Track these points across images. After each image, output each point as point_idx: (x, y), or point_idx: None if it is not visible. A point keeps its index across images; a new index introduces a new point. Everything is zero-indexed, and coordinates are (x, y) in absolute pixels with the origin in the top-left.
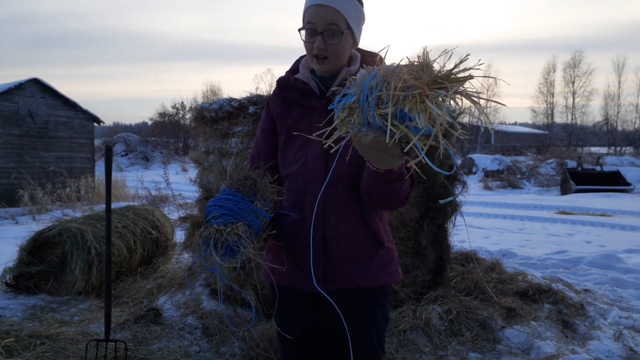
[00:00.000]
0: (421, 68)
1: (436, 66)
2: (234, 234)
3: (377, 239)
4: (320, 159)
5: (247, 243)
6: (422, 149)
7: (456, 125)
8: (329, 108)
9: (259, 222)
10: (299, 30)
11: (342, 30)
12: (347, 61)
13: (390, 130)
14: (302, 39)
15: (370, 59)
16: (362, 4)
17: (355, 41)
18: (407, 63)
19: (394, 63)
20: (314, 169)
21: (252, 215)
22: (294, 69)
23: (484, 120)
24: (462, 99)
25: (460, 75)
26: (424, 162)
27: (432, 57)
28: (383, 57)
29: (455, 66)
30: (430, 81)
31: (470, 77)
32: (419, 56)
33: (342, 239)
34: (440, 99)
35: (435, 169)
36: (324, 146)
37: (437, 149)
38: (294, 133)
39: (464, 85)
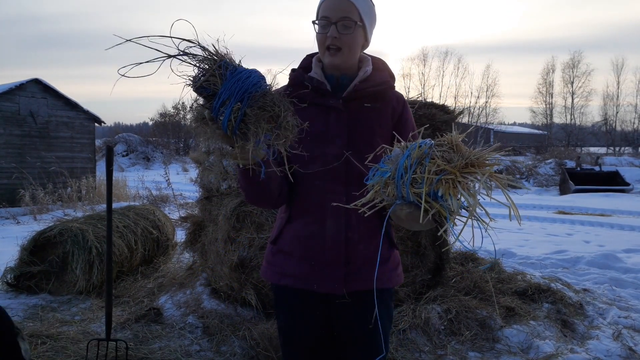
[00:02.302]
0: (451, 147)
1: (464, 147)
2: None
3: (390, 241)
4: (340, 158)
5: (198, 81)
6: (453, 224)
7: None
8: (365, 181)
9: (216, 108)
10: (313, 22)
11: (355, 21)
12: (357, 63)
13: (425, 207)
14: (316, 32)
15: (380, 63)
16: (373, 4)
17: (366, 39)
18: (437, 141)
19: (426, 142)
20: (335, 169)
21: (225, 94)
22: (304, 66)
23: (510, 206)
24: (491, 182)
25: (488, 159)
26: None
27: (429, 57)
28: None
29: (486, 151)
30: (461, 166)
31: (498, 163)
32: (446, 134)
33: (362, 241)
34: (471, 185)
35: (464, 245)
36: (358, 205)
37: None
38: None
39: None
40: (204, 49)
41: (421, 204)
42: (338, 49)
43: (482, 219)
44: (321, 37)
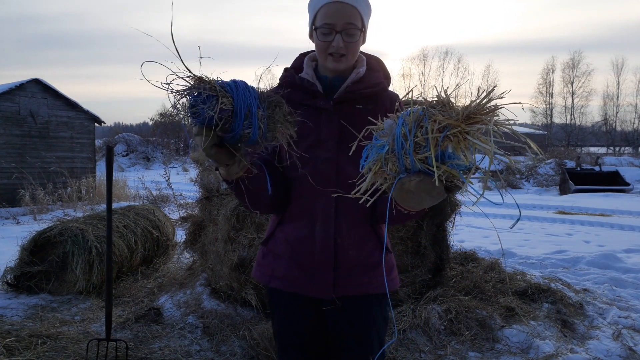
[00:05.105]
0: (443, 106)
1: (458, 102)
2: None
3: (383, 246)
4: (331, 162)
5: (214, 107)
6: (470, 183)
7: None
8: (360, 169)
9: (241, 124)
10: (315, 29)
11: (359, 28)
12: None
13: (427, 170)
14: (317, 38)
15: (376, 62)
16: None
17: (365, 39)
18: (427, 102)
19: (418, 106)
20: (325, 173)
21: (244, 107)
22: (297, 66)
23: (531, 148)
24: (498, 129)
25: (488, 106)
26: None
27: (429, 57)
28: (402, 101)
29: (483, 98)
30: (464, 118)
31: (499, 107)
32: (438, 95)
33: (352, 246)
34: (481, 133)
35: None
36: (355, 196)
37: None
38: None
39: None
40: (198, 79)
41: (430, 170)
42: (342, 55)
43: (497, 172)
44: (324, 45)
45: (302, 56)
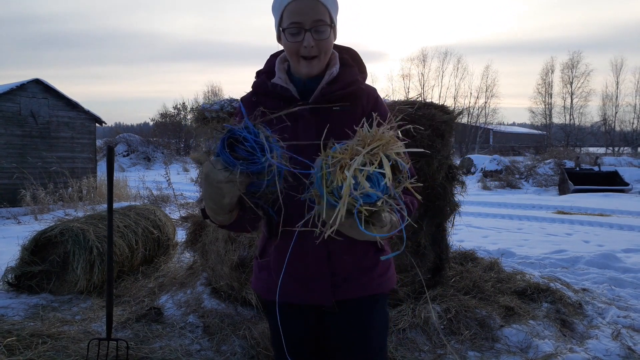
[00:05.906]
0: (360, 140)
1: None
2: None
3: (377, 246)
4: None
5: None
6: (365, 215)
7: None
8: (301, 198)
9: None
10: (283, 30)
11: (329, 24)
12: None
13: (334, 202)
14: (286, 40)
15: (349, 56)
16: None
17: (335, 36)
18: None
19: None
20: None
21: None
22: (268, 71)
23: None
24: (377, 161)
25: (384, 138)
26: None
27: (428, 57)
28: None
29: (389, 127)
30: (353, 153)
31: (386, 140)
32: (363, 126)
33: (345, 251)
34: (355, 166)
35: (369, 233)
36: (321, 237)
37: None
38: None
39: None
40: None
41: (335, 202)
42: (314, 56)
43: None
44: (294, 46)
45: (274, 57)
